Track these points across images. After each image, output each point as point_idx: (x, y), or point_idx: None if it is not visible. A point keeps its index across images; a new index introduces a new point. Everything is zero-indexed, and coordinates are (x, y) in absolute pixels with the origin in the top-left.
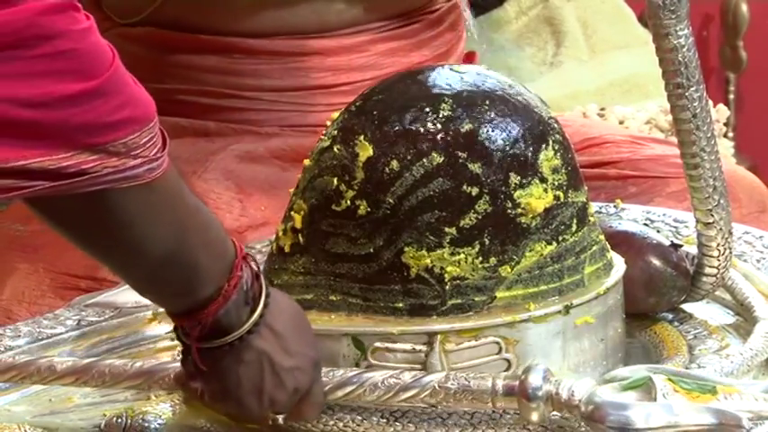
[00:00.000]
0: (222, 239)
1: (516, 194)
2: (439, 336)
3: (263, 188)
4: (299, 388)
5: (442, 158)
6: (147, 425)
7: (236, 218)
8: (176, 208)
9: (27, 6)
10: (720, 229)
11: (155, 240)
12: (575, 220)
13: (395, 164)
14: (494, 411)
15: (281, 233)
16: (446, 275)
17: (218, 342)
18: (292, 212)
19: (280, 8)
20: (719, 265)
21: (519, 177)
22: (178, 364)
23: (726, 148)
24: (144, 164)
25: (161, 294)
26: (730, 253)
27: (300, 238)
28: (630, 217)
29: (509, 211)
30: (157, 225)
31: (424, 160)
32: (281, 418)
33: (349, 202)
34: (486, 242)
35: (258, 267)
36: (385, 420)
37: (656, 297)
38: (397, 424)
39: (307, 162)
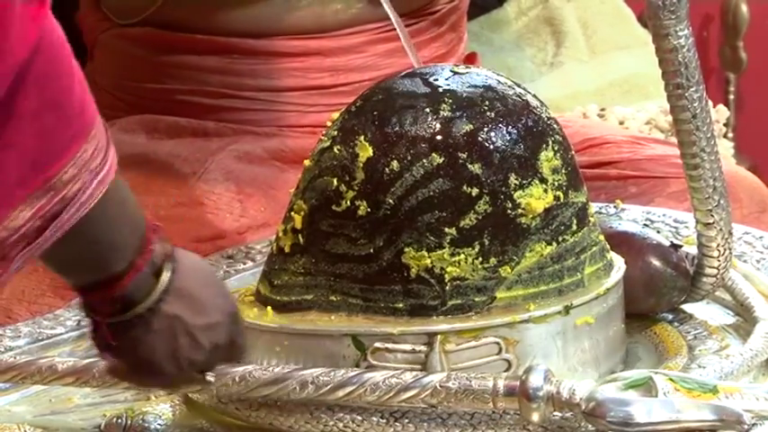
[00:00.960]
0: (137, 215)
1: (516, 195)
2: (439, 336)
3: (263, 189)
4: (218, 343)
5: (442, 159)
6: (147, 425)
7: (237, 218)
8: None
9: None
10: (720, 229)
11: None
12: (575, 221)
13: (395, 164)
14: (494, 412)
15: (281, 233)
16: (446, 276)
17: (128, 315)
18: (292, 213)
19: (279, 8)
20: (719, 265)
21: (519, 178)
22: None
23: (726, 148)
24: (91, 181)
25: (74, 272)
26: (730, 253)
27: (300, 239)
28: (630, 217)
29: (509, 211)
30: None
31: (424, 161)
32: (209, 376)
33: (349, 202)
34: (486, 242)
35: (166, 237)
36: (385, 420)
37: (656, 297)
38: (397, 424)
39: (307, 162)
